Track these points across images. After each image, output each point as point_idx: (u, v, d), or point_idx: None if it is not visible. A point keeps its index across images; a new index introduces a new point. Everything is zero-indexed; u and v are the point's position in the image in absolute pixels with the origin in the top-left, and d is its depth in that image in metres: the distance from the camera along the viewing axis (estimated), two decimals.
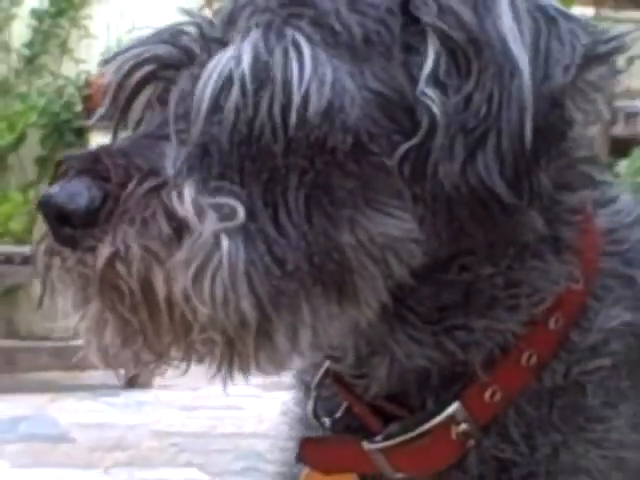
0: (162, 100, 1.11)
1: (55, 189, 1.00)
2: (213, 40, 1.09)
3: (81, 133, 8.45)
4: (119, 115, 1.18)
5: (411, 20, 1.07)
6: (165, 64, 1.12)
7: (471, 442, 1.15)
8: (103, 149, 1.05)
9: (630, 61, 9.15)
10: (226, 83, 1.02)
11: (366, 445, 1.16)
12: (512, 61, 1.03)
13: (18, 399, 5.47)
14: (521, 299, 1.14)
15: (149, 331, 1.02)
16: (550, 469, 1.16)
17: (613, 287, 1.21)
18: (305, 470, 1.24)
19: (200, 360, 1.06)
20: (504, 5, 1.05)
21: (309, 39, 1.02)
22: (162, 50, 1.12)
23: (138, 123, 1.17)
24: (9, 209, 8.18)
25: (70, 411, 5.30)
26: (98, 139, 8.17)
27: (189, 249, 0.97)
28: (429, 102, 1.03)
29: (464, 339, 1.13)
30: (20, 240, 7.74)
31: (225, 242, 0.97)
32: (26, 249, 6.70)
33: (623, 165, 3.83)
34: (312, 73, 1.01)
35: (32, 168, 8.60)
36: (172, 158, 1.02)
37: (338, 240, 1.01)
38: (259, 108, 1.01)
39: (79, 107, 8.44)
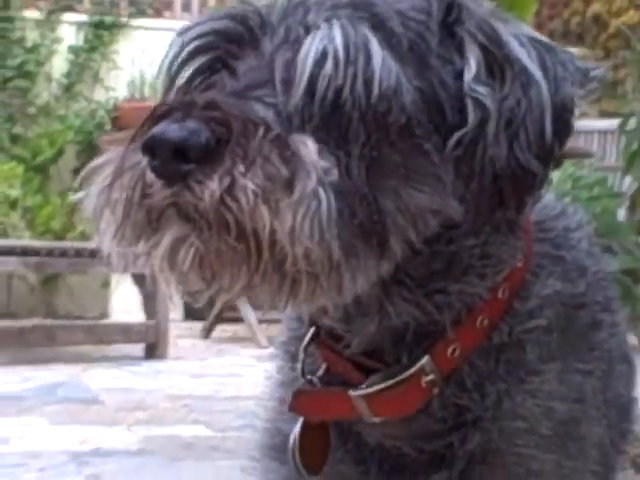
0: (229, 67, 1.06)
1: (167, 127, 0.93)
2: (286, 23, 1.05)
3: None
4: (170, 80, 1.12)
5: (447, 35, 1.08)
6: (227, 38, 1.08)
7: (435, 390, 1.13)
8: (206, 99, 0.99)
9: None
10: (322, 57, 0.99)
11: (351, 392, 1.13)
12: (529, 75, 1.05)
13: (56, 368, 5.42)
14: (489, 268, 1.13)
15: (246, 261, 0.95)
16: (495, 415, 1.15)
17: (546, 265, 1.21)
18: (297, 427, 1.19)
19: (260, 292, 1.00)
20: (508, 34, 1.08)
21: (379, 40, 1.01)
22: (227, 26, 1.08)
23: (186, 89, 1.11)
24: (50, 211, 8.14)
25: (99, 378, 5.25)
26: None
27: (300, 193, 0.93)
28: (481, 97, 1.03)
29: (441, 301, 1.11)
30: (59, 237, 7.82)
31: (324, 194, 0.94)
32: (64, 244, 6.75)
33: (555, 175, 4.04)
34: (382, 61, 1.00)
35: (69, 177, 8.46)
36: (273, 115, 0.99)
37: (383, 205, 1.00)
38: (346, 79, 0.98)
39: (108, 126, 8.46)
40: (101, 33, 8.95)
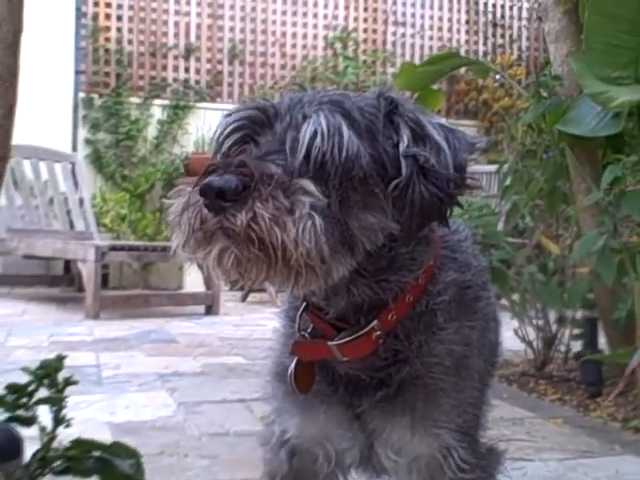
0: (254, 140, 1.06)
1: (214, 179, 0.95)
2: (290, 114, 1.05)
3: None
4: (217, 147, 1.11)
5: (389, 121, 1.07)
6: (253, 122, 1.07)
7: (381, 341, 1.13)
8: (239, 160, 0.99)
9: None
10: (314, 134, 1.00)
11: (329, 343, 1.13)
12: (439, 146, 1.05)
13: (150, 321, 5.46)
14: (415, 266, 1.13)
15: (263, 263, 0.96)
16: (418, 354, 1.15)
17: (446, 263, 1.20)
18: (294, 362, 1.18)
19: (284, 281, 1.00)
20: (426, 121, 1.08)
21: (344, 123, 1.02)
22: (254, 114, 1.08)
23: (227, 153, 1.10)
24: (146, 223, 8.16)
25: (177, 327, 5.27)
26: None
27: (299, 215, 0.94)
28: (415, 154, 1.04)
29: (385, 286, 1.11)
30: (151, 239, 7.83)
31: (315, 215, 0.95)
32: (155, 244, 6.76)
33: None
34: (349, 137, 1.01)
35: (158, 201, 8.52)
36: (281, 171, 0.98)
37: (351, 224, 1.00)
38: (328, 147, 0.99)
39: (181, 170, 8.47)
40: (178, 112, 8.94)
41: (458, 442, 1.17)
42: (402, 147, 1.06)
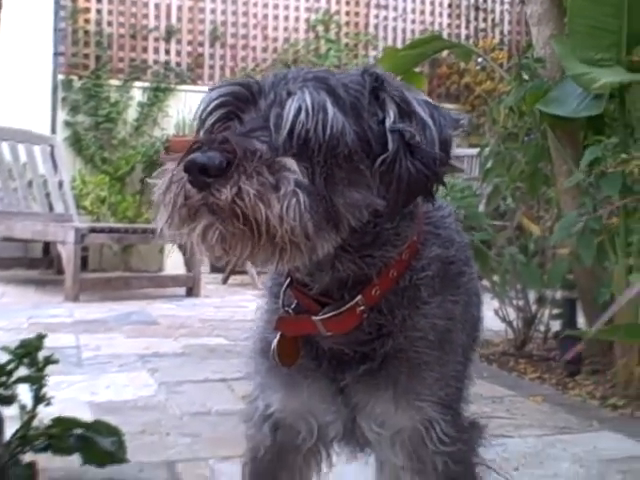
0: (238, 117, 1.06)
1: (198, 155, 0.94)
2: (274, 90, 1.04)
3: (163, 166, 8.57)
4: (200, 123, 1.10)
5: (374, 98, 1.06)
6: (237, 98, 1.06)
7: (364, 315, 1.12)
8: (226, 137, 0.97)
9: None
10: (298, 111, 0.99)
11: (314, 318, 1.13)
12: (425, 122, 1.05)
13: (130, 303, 5.44)
14: (399, 242, 1.12)
15: (247, 239, 0.95)
16: (402, 329, 1.14)
17: (430, 239, 1.20)
18: (277, 337, 1.17)
19: (267, 257, 0.99)
20: (412, 97, 1.07)
21: (329, 99, 1.01)
22: (237, 90, 1.07)
23: (210, 130, 1.08)
24: (126, 205, 8.11)
25: (157, 309, 5.26)
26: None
27: (284, 192, 0.93)
28: (401, 129, 1.03)
29: (369, 262, 1.10)
30: (132, 221, 7.78)
31: (299, 192, 0.94)
32: (135, 225, 6.73)
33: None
34: (333, 114, 1.00)
35: (138, 184, 8.57)
36: (266, 147, 0.97)
37: (336, 201, 0.99)
38: (312, 124, 0.98)
39: (162, 152, 8.31)
40: (158, 94, 8.87)
41: (440, 415, 1.16)
42: (388, 123, 1.05)
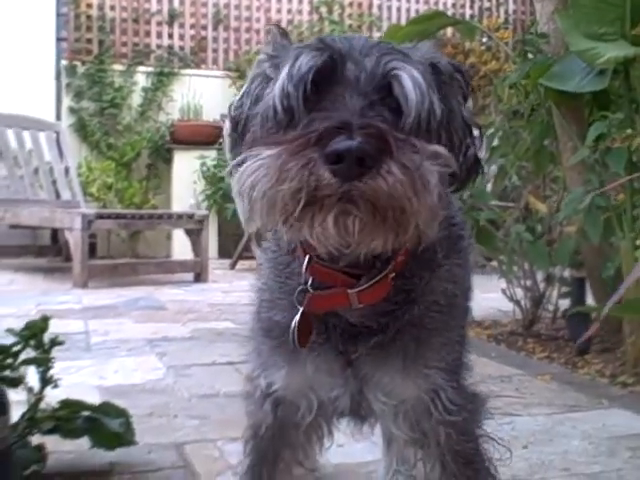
0: (331, 92, 0.97)
1: (350, 143, 0.85)
2: (365, 62, 0.97)
3: (168, 151, 8.42)
4: (297, 101, 0.97)
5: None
6: (318, 71, 0.97)
7: (392, 282, 1.08)
8: (362, 121, 0.89)
9: None
10: (418, 88, 0.96)
11: (349, 290, 1.06)
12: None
13: (139, 289, 5.46)
14: None
15: (393, 226, 0.89)
16: (422, 291, 1.11)
17: None
18: (298, 316, 1.11)
19: (388, 243, 0.93)
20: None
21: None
22: (320, 62, 0.97)
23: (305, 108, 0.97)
24: (133, 191, 8.12)
25: (165, 294, 5.28)
26: (178, 154, 8.43)
27: (433, 181, 0.89)
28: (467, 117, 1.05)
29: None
30: (138, 207, 7.84)
31: (441, 181, 0.91)
32: (142, 211, 6.85)
33: None
34: (432, 91, 0.98)
35: (144, 170, 8.58)
36: (395, 130, 0.92)
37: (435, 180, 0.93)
38: (426, 106, 0.96)
39: (167, 137, 8.39)
40: (162, 79, 8.85)
41: (447, 382, 1.15)
42: (465, 112, 1.05)
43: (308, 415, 1.23)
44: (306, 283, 1.11)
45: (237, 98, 1.11)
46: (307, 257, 1.10)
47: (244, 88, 1.11)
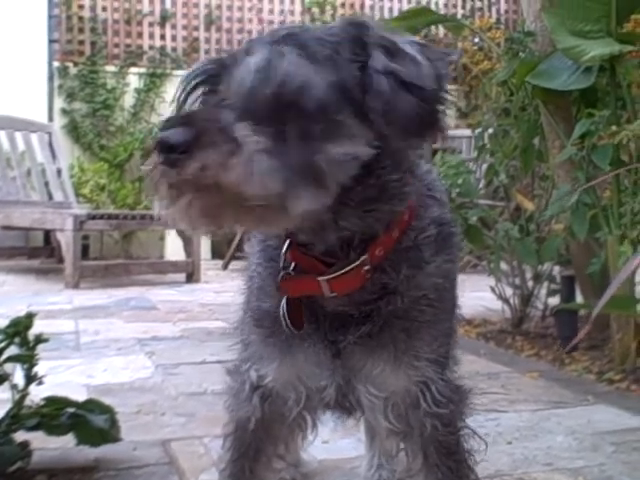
0: (213, 91, 1.05)
1: (166, 133, 0.93)
2: (242, 55, 1.03)
3: None
4: (181, 103, 1.09)
5: (358, 45, 1.02)
6: (212, 75, 1.06)
7: (369, 275, 1.10)
8: (191, 113, 0.99)
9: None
10: (248, 70, 0.99)
11: (319, 278, 1.10)
12: (416, 60, 1.00)
13: (130, 289, 5.48)
14: (405, 196, 1.10)
15: (219, 207, 0.95)
16: (407, 286, 1.13)
17: (427, 200, 1.19)
18: (284, 300, 1.15)
19: (244, 222, 1.01)
20: (399, 38, 1.04)
21: (297, 54, 0.98)
22: (211, 67, 1.06)
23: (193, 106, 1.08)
24: (126, 192, 8.15)
25: (157, 294, 5.29)
26: None
27: (241, 157, 0.92)
28: (391, 75, 0.99)
29: (376, 216, 1.07)
30: (131, 207, 7.85)
31: (257, 154, 0.93)
32: (135, 212, 6.80)
33: (436, 161, 3.99)
34: (294, 68, 0.97)
35: (137, 171, 8.47)
36: (229, 114, 0.96)
37: (315, 158, 0.96)
38: (267, 84, 0.97)
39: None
40: (154, 80, 8.88)
41: (437, 374, 1.17)
42: (378, 65, 1.00)
43: (295, 408, 1.23)
44: (286, 268, 1.14)
45: None
46: (287, 241, 1.14)
47: None
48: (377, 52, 1.01)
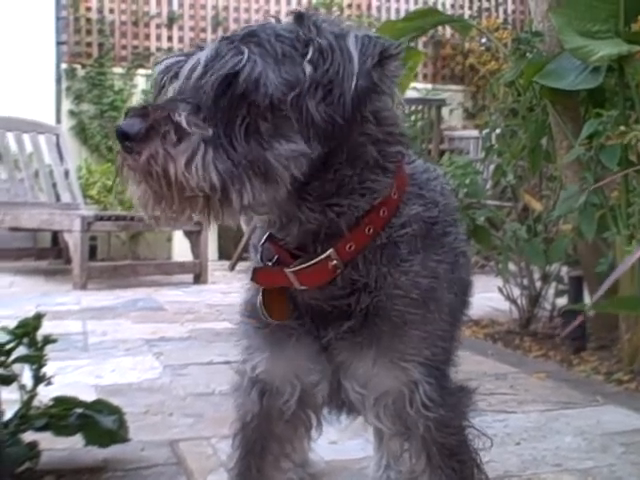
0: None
1: (123, 123, 0.98)
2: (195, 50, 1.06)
3: None
4: (155, 95, 1.10)
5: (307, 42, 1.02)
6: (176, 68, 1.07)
7: (338, 270, 1.11)
8: (147, 105, 1.01)
9: (450, 111, 9.46)
10: (193, 66, 1.01)
11: (286, 269, 1.12)
12: (348, 54, 1.01)
13: (138, 290, 5.48)
14: (366, 191, 1.09)
15: (167, 195, 0.98)
16: (381, 285, 1.13)
17: (412, 198, 1.18)
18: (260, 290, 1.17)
19: (190, 211, 1.02)
20: (344, 34, 1.03)
21: (250, 50, 1.00)
22: (182, 59, 1.07)
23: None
24: None
25: (164, 295, 5.30)
26: None
27: (184, 148, 0.96)
28: (307, 71, 0.99)
29: (338, 210, 1.08)
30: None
31: (202, 145, 0.96)
32: (141, 214, 7.14)
33: (444, 161, 3.98)
34: (249, 65, 0.98)
35: None
36: (180, 109, 0.98)
37: (263, 154, 0.99)
38: (211, 77, 0.99)
39: None
40: None
41: (425, 377, 1.15)
42: (305, 60, 1.02)
43: (292, 401, 1.24)
44: (263, 259, 1.18)
45: None
46: (266, 234, 1.18)
47: None
48: (313, 47, 1.02)
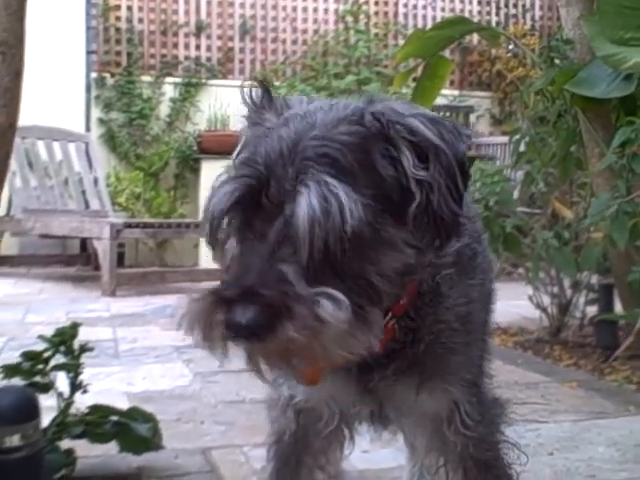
0: (252, 228, 0.95)
1: (239, 316, 0.86)
2: (278, 184, 0.92)
3: (196, 161, 8.42)
4: (213, 233, 1.00)
5: (384, 139, 0.97)
6: (244, 204, 0.95)
7: (396, 326, 1.08)
8: (248, 284, 0.89)
9: (477, 118, 9.41)
10: (311, 225, 0.88)
11: None
12: (440, 149, 0.96)
13: (166, 297, 5.44)
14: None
15: (304, 364, 0.92)
16: (427, 324, 1.10)
17: None
18: None
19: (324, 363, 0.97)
20: (419, 123, 0.97)
21: (336, 179, 0.91)
22: (250, 184, 0.95)
23: (226, 237, 1.01)
24: (161, 201, 8.15)
25: None
26: (205, 164, 8.44)
27: (329, 335, 0.87)
28: (422, 177, 0.95)
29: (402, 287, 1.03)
30: (166, 216, 7.86)
31: (342, 316, 0.88)
32: (170, 220, 6.95)
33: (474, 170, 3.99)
34: (350, 208, 0.90)
35: (172, 179, 8.62)
36: (293, 270, 0.89)
37: (373, 282, 0.94)
38: (329, 234, 0.89)
39: (195, 148, 8.40)
40: (189, 89, 8.91)
41: (466, 397, 1.16)
42: (407, 165, 0.96)
43: (331, 423, 1.25)
44: None
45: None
46: None
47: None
48: (405, 149, 0.97)
